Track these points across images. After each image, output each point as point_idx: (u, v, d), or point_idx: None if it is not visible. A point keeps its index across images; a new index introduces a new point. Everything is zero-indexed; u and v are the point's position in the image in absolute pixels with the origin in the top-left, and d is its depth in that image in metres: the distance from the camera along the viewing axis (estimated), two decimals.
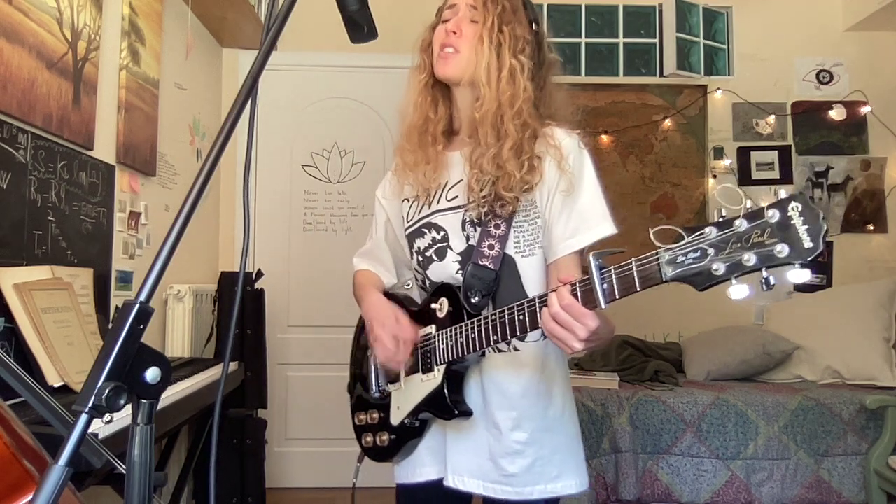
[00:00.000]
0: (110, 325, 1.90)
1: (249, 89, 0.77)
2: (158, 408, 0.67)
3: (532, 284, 1.25)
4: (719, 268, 0.82)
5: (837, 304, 3.27)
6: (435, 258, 1.31)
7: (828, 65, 3.83)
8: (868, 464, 2.59)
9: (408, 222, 1.38)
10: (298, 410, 3.57)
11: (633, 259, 0.91)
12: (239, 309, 2.86)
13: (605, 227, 1.22)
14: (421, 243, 1.34)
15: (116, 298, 2.33)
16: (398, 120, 1.40)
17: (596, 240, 1.22)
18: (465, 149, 1.31)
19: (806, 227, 0.77)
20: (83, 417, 0.60)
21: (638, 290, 0.91)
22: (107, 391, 0.60)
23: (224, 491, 2.91)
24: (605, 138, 3.80)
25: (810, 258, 0.77)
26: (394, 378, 1.34)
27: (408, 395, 1.30)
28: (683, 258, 0.85)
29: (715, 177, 3.81)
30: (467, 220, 1.28)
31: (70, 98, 2.02)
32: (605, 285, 0.93)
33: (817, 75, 3.83)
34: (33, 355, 1.62)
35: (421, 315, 1.31)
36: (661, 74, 3.82)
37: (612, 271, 0.93)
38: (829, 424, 2.66)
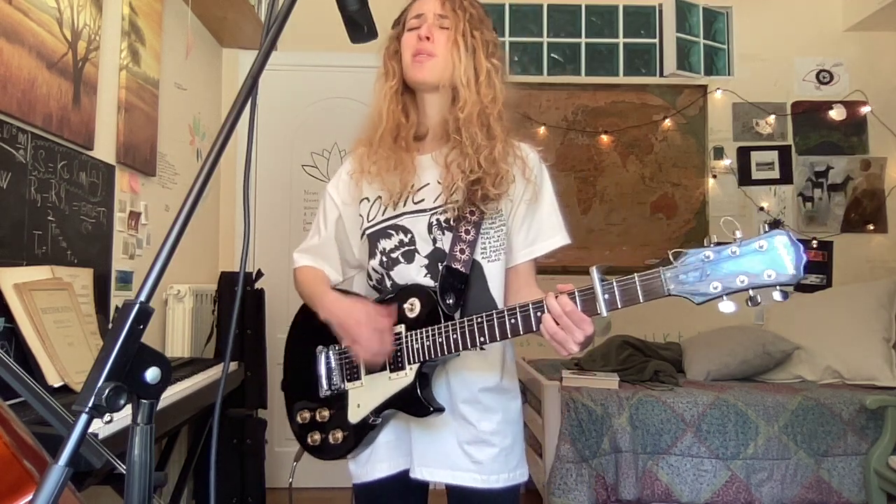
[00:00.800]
0: (110, 325, 1.90)
1: (249, 89, 0.77)
2: (158, 408, 0.67)
3: (496, 287, 1.33)
4: (717, 286, 0.98)
5: (837, 304, 3.27)
6: (402, 260, 1.33)
7: (828, 65, 3.83)
8: (868, 464, 2.59)
9: (369, 221, 1.38)
10: None
11: (636, 275, 1.04)
12: (239, 309, 2.86)
13: (560, 238, 1.36)
14: (387, 244, 1.35)
15: (116, 298, 2.33)
16: (363, 125, 1.42)
17: (552, 249, 1.36)
18: (434, 152, 1.35)
19: (790, 257, 0.94)
20: (83, 417, 0.60)
21: (641, 301, 1.04)
22: (107, 391, 0.60)
23: (224, 491, 2.91)
24: (605, 138, 3.80)
25: (794, 284, 0.94)
26: (351, 376, 1.35)
27: (371, 393, 1.31)
28: (685, 276, 1.00)
29: (715, 177, 3.81)
30: (434, 223, 1.31)
31: (70, 98, 2.02)
32: (606, 295, 1.06)
33: (817, 75, 3.83)
34: (33, 355, 1.62)
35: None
36: (661, 74, 3.83)
37: (615, 284, 1.05)
38: (829, 424, 2.66)
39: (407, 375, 1.27)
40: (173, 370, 1.22)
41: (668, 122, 3.80)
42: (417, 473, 1.33)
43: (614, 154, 3.82)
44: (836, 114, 3.77)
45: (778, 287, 0.94)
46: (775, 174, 3.82)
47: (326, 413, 1.38)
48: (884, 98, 3.74)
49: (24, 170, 1.81)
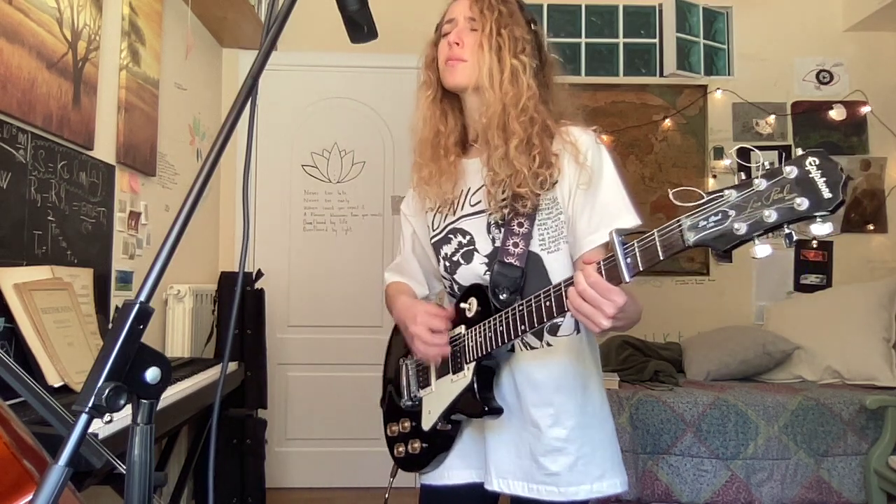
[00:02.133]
0: (110, 325, 1.90)
1: (249, 89, 0.77)
2: (158, 408, 0.68)
3: (559, 279, 1.25)
4: (741, 227, 0.83)
5: (837, 304, 3.27)
6: (462, 262, 1.33)
7: (828, 65, 3.83)
8: (868, 464, 2.59)
9: (433, 231, 1.39)
10: (298, 410, 3.57)
11: (654, 230, 0.92)
12: (239, 309, 2.86)
13: (628, 218, 1.21)
14: (447, 249, 1.35)
15: (116, 298, 2.33)
16: (409, 136, 1.41)
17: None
18: (483, 155, 1.32)
19: (824, 178, 0.78)
20: (83, 417, 0.60)
21: (661, 258, 0.91)
22: (107, 391, 0.60)
23: (224, 491, 2.91)
24: (604, 138, 3.79)
25: (831, 208, 0.78)
26: (424, 383, 1.35)
27: (439, 398, 1.30)
28: (705, 222, 0.86)
29: (715, 177, 3.82)
30: (491, 223, 1.29)
31: (70, 98, 2.02)
32: (628, 259, 0.94)
33: (817, 75, 3.83)
34: (33, 355, 1.62)
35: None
36: (661, 74, 3.82)
37: (636, 244, 0.94)
38: (829, 424, 2.66)
39: (466, 375, 1.25)
40: (173, 370, 1.23)
41: (668, 122, 3.80)
42: (493, 485, 1.28)
43: (614, 154, 3.82)
44: (836, 114, 3.76)
45: (817, 217, 0.79)
46: None
47: (408, 424, 1.38)
48: (884, 98, 3.74)
49: (24, 170, 1.81)
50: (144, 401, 0.66)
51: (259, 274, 3.08)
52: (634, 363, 3.13)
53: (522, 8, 1.33)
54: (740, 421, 2.63)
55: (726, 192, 0.85)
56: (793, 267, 3.75)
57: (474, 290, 1.28)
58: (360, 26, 1.04)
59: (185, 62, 3.03)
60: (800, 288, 3.71)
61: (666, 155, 3.83)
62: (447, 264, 1.36)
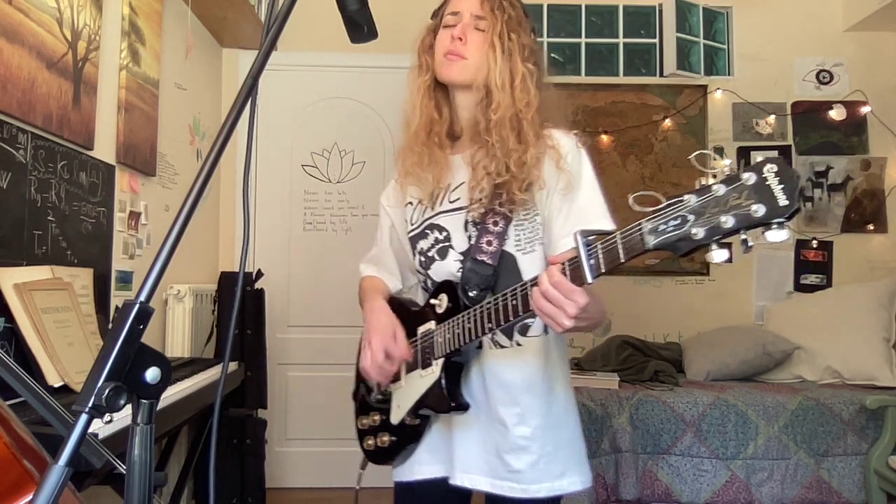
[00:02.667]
0: (110, 325, 1.90)
1: (249, 89, 0.77)
2: (158, 408, 0.68)
3: None
4: (698, 232, 0.84)
5: (837, 304, 3.27)
6: (437, 258, 1.33)
7: (828, 65, 3.83)
8: (868, 464, 2.59)
9: (411, 225, 1.39)
10: (298, 410, 3.57)
11: (617, 232, 0.93)
12: (239, 309, 2.86)
13: (603, 223, 1.22)
14: (424, 244, 1.35)
15: (116, 298, 2.33)
16: (401, 122, 1.40)
17: None
18: (466, 152, 1.32)
19: (781, 186, 0.79)
20: (83, 417, 0.60)
21: (622, 260, 0.92)
22: (107, 391, 0.60)
23: (224, 491, 2.91)
24: (605, 138, 3.80)
25: (787, 215, 0.79)
26: (395, 378, 1.35)
27: (408, 393, 1.31)
28: (664, 226, 0.87)
29: (715, 177, 3.81)
30: (469, 220, 1.29)
31: (70, 98, 2.02)
32: (591, 261, 0.95)
33: (817, 75, 3.83)
34: (33, 355, 1.62)
35: (422, 313, 1.33)
36: (661, 74, 3.82)
37: (598, 246, 0.94)
38: (829, 424, 2.66)
39: (434, 371, 1.26)
40: (173, 370, 1.22)
41: (668, 122, 3.80)
42: (457, 480, 1.30)
43: (614, 154, 3.82)
44: (836, 114, 3.76)
45: (773, 223, 0.80)
46: None
47: (377, 417, 1.39)
48: (884, 98, 3.74)
49: (24, 170, 1.81)
50: (144, 401, 0.66)
51: (259, 274, 3.08)
52: (634, 363, 3.13)
53: (527, 15, 1.34)
54: (740, 421, 2.63)
55: (685, 196, 0.86)
56: (793, 267, 3.75)
57: (445, 286, 1.28)
58: (360, 26, 1.04)
59: (185, 62, 3.03)
60: (800, 288, 3.71)
61: (666, 155, 3.83)
62: (422, 259, 1.36)
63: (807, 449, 2.62)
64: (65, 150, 2.01)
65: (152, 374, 0.65)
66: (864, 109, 3.75)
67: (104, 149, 2.28)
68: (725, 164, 3.80)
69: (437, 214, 1.34)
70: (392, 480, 1.42)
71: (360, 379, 1.47)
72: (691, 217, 0.85)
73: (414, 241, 1.38)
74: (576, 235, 0.96)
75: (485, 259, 1.24)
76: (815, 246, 3.74)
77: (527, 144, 1.24)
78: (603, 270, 0.94)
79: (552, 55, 3.87)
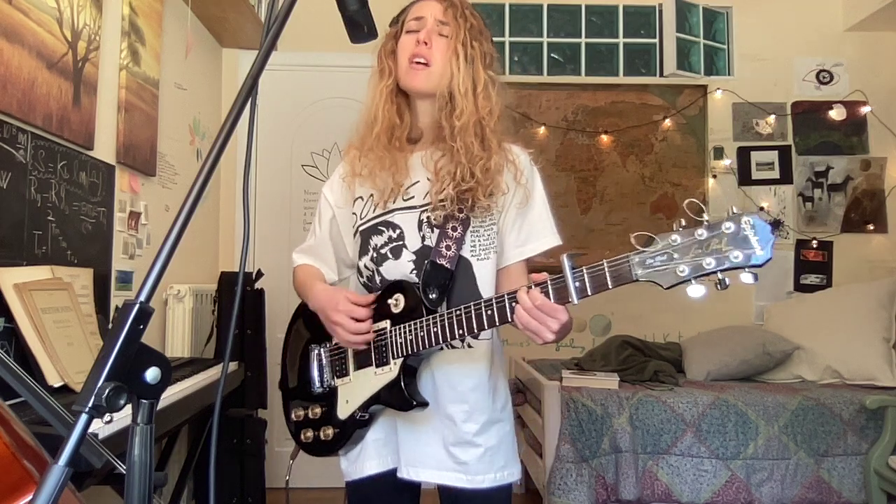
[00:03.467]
0: (110, 325, 1.90)
1: (249, 89, 0.77)
2: (158, 408, 0.68)
3: (486, 286, 1.33)
4: (684, 269, 0.96)
5: (837, 304, 3.27)
6: (390, 256, 1.35)
7: (828, 65, 3.83)
8: (868, 464, 2.59)
9: (361, 219, 1.40)
10: None
11: (604, 260, 1.02)
12: (239, 309, 2.86)
13: (551, 239, 1.35)
14: (377, 240, 1.37)
15: (116, 298, 2.33)
16: (357, 121, 1.44)
17: (543, 250, 1.35)
18: (423, 152, 1.36)
19: (757, 238, 0.92)
20: (83, 417, 0.60)
21: (610, 287, 1.02)
22: (107, 391, 0.60)
23: (224, 491, 2.91)
24: (605, 138, 3.80)
25: (760, 264, 0.92)
26: (341, 373, 1.37)
27: (359, 389, 1.33)
28: (652, 261, 0.98)
29: (715, 177, 3.82)
30: (424, 220, 1.32)
31: (70, 98, 2.02)
32: (577, 283, 1.04)
33: (817, 75, 3.83)
34: (33, 355, 1.62)
35: (374, 311, 1.33)
36: (661, 74, 3.82)
37: (584, 270, 1.03)
38: (829, 424, 2.66)
39: (391, 370, 1.28)
40: (173, 370, 1.23)
41: (668, 122, 3.80)
42: (404, 473, 1.34)
43: (614, 154, 3.82)
44: (836, 114, 3.76)
45: (746, 269, 0.92)
46: (775, 174, 3.82)
47: (318, 410, 1.40)
48: (884, 98, 3.74)
49: (24, 170, 1.81)
50: (144, 401, 0.66)
51: (259, 274, 3.08)
52: (634, 363, 3.12)
53: (486, 25, 1.39)
54: (740, 421, 2.63)
55: (672, 236, 0.98)
56: (793, 267, 3.75)
57: (400, 286, 1.30)
58: (360, 26, 1.04)
59: (185, 62, 3.03)
60: (800, 288, 3.71)
61: (666, 155, 3.83)
62: (374, 255, 1.37)
63: (807, 449, 2.63)
64: (65, 150, 2.01)
65: (152, 374, 0.66)
66: (864, 109, 3.75)
67: (104, 149, 2.28)
68: (725, 164, 3.81)
69: (390, 211, 1.36)
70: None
71: (294, 370, 1.50)
72: (676, 255, 0.97)
73: (365, 235, 1.39)
74: (562, 258, 1.05)
75: (444, 263, 1.29)
76: (815, 246, 3.74)
77: (490, 151, 1.30)
78: (589, 293, 1.04)
79: (552, 55, 3.87)
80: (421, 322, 1.23)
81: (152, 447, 0.67)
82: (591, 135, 3.82)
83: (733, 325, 3.46)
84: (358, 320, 1.27)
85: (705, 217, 0.95)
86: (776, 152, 3.80)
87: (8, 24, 1.73)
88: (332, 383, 1.39)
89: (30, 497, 0.67)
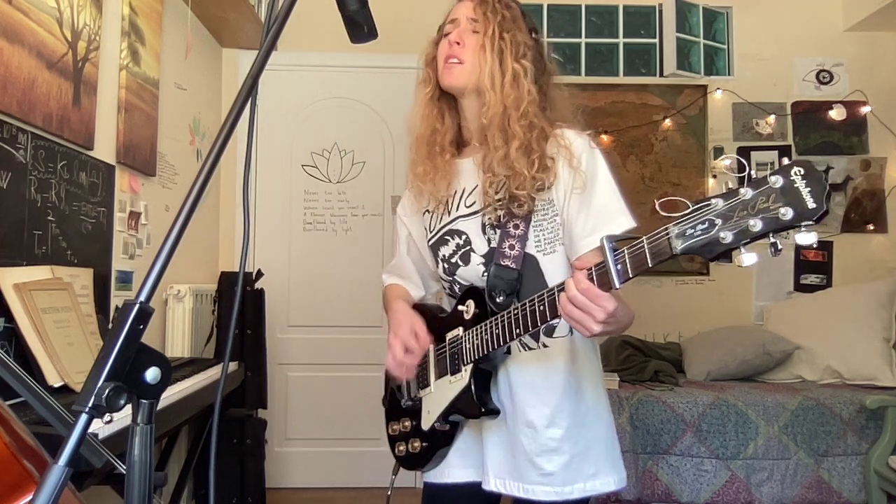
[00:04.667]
0: (110, 325, 1.90)
1: (249, 89, 0.77)
2: (158, 408, 0.68)
3: (555, 281, 1.23)
4: (727, 236, 0.84)
5: (837, 304, 3.27)
6: (461, 263, 1.34)
7: (828, 65, 3.83)
8: (868, 464, 2.59)
9: (430, 233, 1.41)
10: (298, 410, 3.57)
11: (643, 237, 0.93)
12: (239, 309, 2.86)
13: (622, 221, 1.22)
14: (446, 251, 1.37)
15: (116, 298, 2.33)
16: (406, 134, 1.43)
17: (617, 234, 1.21)
18: (476, 155, 1.34)
19: (809, 189, 0.80)
20: (83, 417, 0.60)
21: (650, 265, 0.92)
22: (107, 391, 0.60)
23: (224, 491, 2.91)
24: (605, 138, 3.80)
25: (815, 217, 0.80)
26: (423, 384, 1.36)
27: (438, 399, 1.32)
28: (692, 230, 0.87)
29: (715, 177, 3.81)
30: (486, 223, 1.30)
31: (70, 98, 2.02)
32: (618, 266, 0.95)
33: (817, 75, 3.83)
34: (33, 355, 1.62)
35: (450, 319, 1.34)
36: (661, 74, 3.82)
37: (626, 251, 0.94)
38: (829, 424, 2.66)
39: (463, 377, 1.27)
40: (173, 370, 1.23)
41: (668, 122, 3.80)
42: (490, 485, 1.30)
43: (614, 154, 3.82)
44: (836, 114, 3.76)
45: (802, 226, 0.81)
46: None
47: (408, 423, 1.40)
48: (884, 98, 3.74)
49: (24, 170, 1.81)
50: (144, 401, 0.66)
51: (259, 274, 3.08)
52: (634, 363, 3.13)
53: (525, 15, 1.35)
54: (740, 421, 2.63)
55: (713, 200, 0.86)
56: (793, 267, 3.75)
57: (471, 292, 1.30)
58: (360, 26, 1.04)
59: (185, 62, 3.03)
60: (800, 288, 3.71)
61: (666, 155, 3.83)
62: (446, 266, 1.37)
63: (807, 449, 2.62)
64: (65, 150, 2.01)
65: (152, 374, 0.65)
66: (864, 109, 3.75)
67: (104, 149, 2.28)
68: (725, 164, 3.80)
69: (454, 220, 1.35)
70: (418, 483, 1.45)
71: (391, 384, 1.48)
72: (719, 221, 0.85)
73: (435, 247, 1.40)
74: (602, 241, 0.97)
75: (508, 263, 1.25)
76: (814, 246, 3.73)
77: (512, 140, 1.24)
78: (630, 276, 0.95)
79: (552, 55, 3.87)
80: (485, 325, 1.22)
81: (152, 447, 0.67)
82: (590, 135, 3.81)
83: (733, 325, 3.46)
84: (408, 351, 1.28)
85: (752, 173, 0.84)
86: (776, 152, 3.80)
87: (8, 24, 1.73)
88: (418, 395, 1.38)
89: (30, 497, 0.67)
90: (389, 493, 1.45)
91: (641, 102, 3.84)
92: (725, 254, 0.86)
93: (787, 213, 0.80)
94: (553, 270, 1.27)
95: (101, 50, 2.22)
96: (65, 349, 1.70)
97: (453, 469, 1.35)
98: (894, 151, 3.76)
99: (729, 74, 3.85)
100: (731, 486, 2.59)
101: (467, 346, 1.26)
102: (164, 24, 2.74)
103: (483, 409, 1.24)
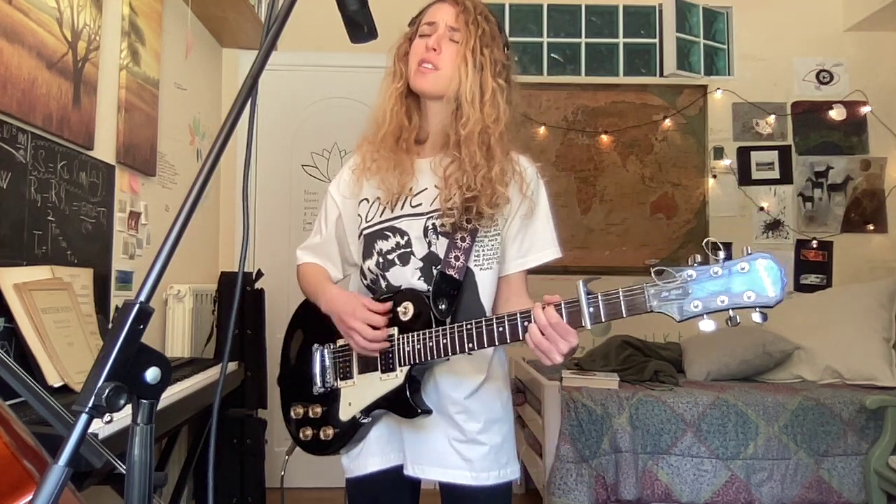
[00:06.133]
0: (110, 325, 1.90)
1: (249, 89, 0.77)
2: (158, 408, 0.67)
3: (486, 295, 1.35)
4: (698, 305, 0.99)
5: (837, 304, 3.26)
6: (398, 262, 1.35)
7: (828, 65, 3.83)
8: (868, 464, 2.59)
9: (367, 222, 1.40)
10: None
11: (620, 289, 1.04)
12: (239, 309, 2.86)
13: (552, 251, 1.37)
14: (384, 245, 1.37)
15: (116, 298, 2.33)
16: (369, 119, 1.42)
17: (543, 262, 1.38)
18: (433, 158, 1.36)
19: (770, 280, 0.96)
20: (83, 417, 0.60)
21: (623, 316, 1.05)
22: (107, 391, 0.60)
23: (224, 491, 2.91)
24: (605, 138, 3.80)
25: (773, 306, 0.96)
26: (344, 375, 1.38)
27: (362, 392, 1.34)
28: (667, 294, 1.01)
29: (715, 177, 3.82)
30: (430, 227, 1.32)
31: (70, 98, 2.02)
32: (591, 308, 1.06)
33: (817, 75, 3.83)
34: (33, 355, 1.62)
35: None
36: (661, 74, 3.82)
37: (599, 297, 1.05)
38: (829, 424, 2.66)
39: (398, 377, 1.29)
40: (173, 370, 1.23)
41: (668, 122, 3.80)
42: (410, 471, 1.36)
43: (614, 154, 3.82)
44: (836, 114, 3.76)
45: (757, 308, 0.96)
46: (775, 174, 3.82)
47: (319, 410, 1.41)
48: (884, 98, 3.74)
49: (24, 170, 1.81)
50: (144, 401, 0.66)
51: (259, 274, 3.08)
52: (634, 363, 3.12)
53: (501, 30, 1.37)
54: (740, 421, 2.63)
55: (688, 272, 1.00)
56: (793, 267, 3.75)
57: (409, 294, 1.31)
58: (360, 26, 1.04)
59: (185, 62, 3.03)
60: (800, 288, 3.71)
61: (666, 155, 3.83)
62: (381, 260, 1.37)
63: (807, 449, 2.62)
64: (65, 150, 2.01)
65: (152, 374, 0.65)
66: (864, 109, 3.75)
67: (104, 149, 2.28)
68: (725, 164, 3.80)
69: (398, 217, 1.36)
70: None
71: (295, 367, 1.51)
72: (692, 291, 1.00)
73: (370, 239, 1.39)
74: (578, 284, 1.07)
75: (453, 274, 1.30)
76: (815, 246, 3.74)
77: (493, 161, 1.29)
78: (602, 320, 1.06)
79: (552, 55, 3.87)
80: (431, 333, 1.24)
81: (152, 447, 0.67)
82: (591, 135, 3.82)
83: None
84: (374, 328, 1.28)
85: (721, 254, 0.98)
86: (776, 152, 3.80)
87: (8, 24, 1.73)
88: (335, 385, 1.39)
89: (30, 497, 0.67)
90: (283, 474, 1.48)
91: (641, 102, 3.84)
92: (690, 318, 1.01)
93: (750, 296, 0.96)
94: (487, 284, 1.34)
95: (101, 50, 2.22)
96: (65, 349, 1.70)
97: (373, 458, 1.38)
98: (894, 151, 3.76)
99: (729, 74, 3.85)
100: (731, 486, 2.59)
101: (406, 348, 1.28)
102: (164, 24, 2.74)
103: (419, 410, 1.28)
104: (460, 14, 1.32)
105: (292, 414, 1.47)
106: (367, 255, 1.40)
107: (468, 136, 1.28)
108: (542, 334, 1.10)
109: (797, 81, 3.84)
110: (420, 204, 1.35)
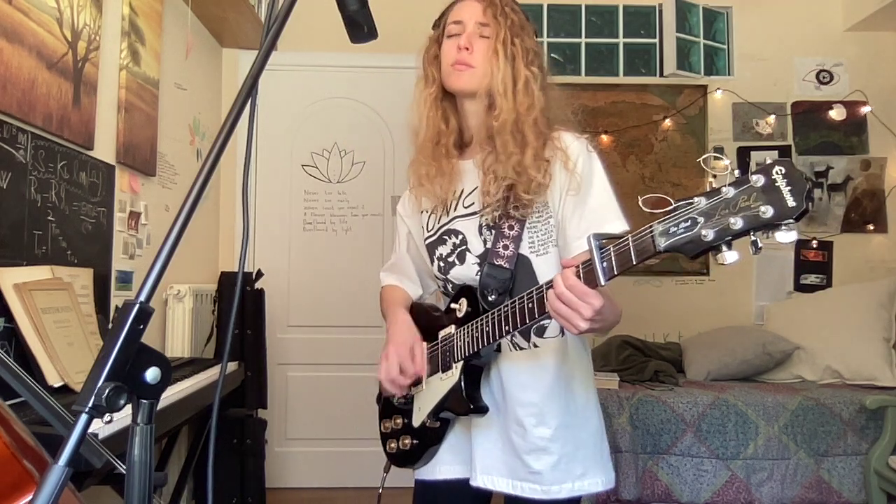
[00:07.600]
0: (110, 325, 1.90)
1: (249, 89, 0.77)
2: (158, 408, 0.68)
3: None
4: (708, 234, 0.85)
5: (837, 304, 3.26)
6: (456, 262, 1.35)
7: (828, 65, 3.83)
8: (868, 464, 2.59)
9: (428, 232, 1.41)
10: (298, 410, 3.57)
11: (629, 235, 0.94)
12: (239, 309, 2.86)
13: (616, 224, 1.24)
14: (443, 250, 1.38)
15: (116, 298, 2.33)
16: (408, 132, 1.42)
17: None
18: (477, 157, 1.34)
19: (789, 188, 0.80)
20: (83, 417, 0.60)
21: (634, 262, 0.93)
22: (107, 391, 0.60)
23: (224, 491, 2.91)
24: (605, 138, 3.80)
25: (795, 216, 0.80)
26: (417, 381, 1.36)
27: (429, 396, 1.33)
28: (675, 228, 0.88)
29: (715, 177, 3.81)
30: (483, 224, 1.31)
31: (70, 98, 2.02)
32: (604, 263, 0.96)
33: (817, 75, 3.83)
34: (33, 355, 1.62)
35: (443, 318, 1.35)
36: (661, 74, 3.82)
37: (611, 249, 0.96)
38: (829, 424, 2.66)
39: (454, 374, 1.28)
40: (173, 370, 1.23)
41: (668, 122, 3.80)
42: (478, 482, 1.31)
43: (614, 154, 3.82)
44: (836, 114, 3.76)
45: (782, 225, 0.80)
46: None
47: (400, 420, 1.41)
48: (884, 98, 3.74)
49: (24, 170, 1.81)
50: (144, 401, 0.66)
51: (259, 274, 3.08)
52: (634, 363, 3.12)
53: (528, 19, 1.36)
54: (740, 421, 2.63)
55: (696, 199, 0.88)
56: (793, 267, 3.75)
57: (464, 290, 1.31)
58: (360, 26, 1.04)
59: (185, 62, 3.03)
60: (800, 288, 3.71)
61: (666, 155, 3.83)
62: (441, 265, 1.38)
63: (807, 449, 2.62)
64: (65, 150, 2.01)
65: (152, 374, 0.65)
66: (864, 109, 3.74)
67: (104, 149, 2.28)
68: (725, 163, 3.80)
69: (452, 220, 1.36)
70: (412, 479, 1.43)
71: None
72: (701, 219, 0.86)
73: (432, 247, 1.40)
74: (589, 238, 0.97)
75: (501, 263, 1.26)
76: (815, 246, 3.74)
77: (525, 147, 1.26)
78: (615, 273, 0.96)
79: (552, 55, 3.87)
80: (477, 323, 1.23)
81: (152, 447, 0.67)
82: (591, 135, 3.81)
83: (733, 325, 3.46)
84: (403, 372, 1.29)
85: (735, 172, 0.85)
86: (776, 152, 3.80)
87: (8, 24, 1.73)
88: (410, 392, 1.39)
89: (30, 497, 0.67)
90: (381, 490, 1.45)
91: (641, 102, 3.83)
92: (707, 252, 0.87)
93: (767, 211, 0.80)
94: (546, 271, 1.28)
95: (101, 50, 2.22)
96: (65, 349, 1.70)
97: (444, 465, 1.36)
98: (894, 151, 3.76)
99: (729, 74, 3.85)
100: (731, 486, 2.59)
101: (458, 343, 1.27)
102: (164, 24, 2.74)
103: (472, 407, 1.24)
104: (487, 8, 1.31)
105: (382, 428, 1.46)
106: (431, 262, 1.42)
107: (501, 126, 1.27)
108: (561, 301, 1.01)
109: (797, 81, 3.83)
110: (472, 203, 1.34)
